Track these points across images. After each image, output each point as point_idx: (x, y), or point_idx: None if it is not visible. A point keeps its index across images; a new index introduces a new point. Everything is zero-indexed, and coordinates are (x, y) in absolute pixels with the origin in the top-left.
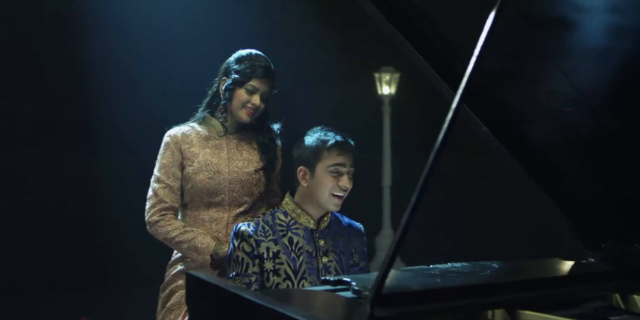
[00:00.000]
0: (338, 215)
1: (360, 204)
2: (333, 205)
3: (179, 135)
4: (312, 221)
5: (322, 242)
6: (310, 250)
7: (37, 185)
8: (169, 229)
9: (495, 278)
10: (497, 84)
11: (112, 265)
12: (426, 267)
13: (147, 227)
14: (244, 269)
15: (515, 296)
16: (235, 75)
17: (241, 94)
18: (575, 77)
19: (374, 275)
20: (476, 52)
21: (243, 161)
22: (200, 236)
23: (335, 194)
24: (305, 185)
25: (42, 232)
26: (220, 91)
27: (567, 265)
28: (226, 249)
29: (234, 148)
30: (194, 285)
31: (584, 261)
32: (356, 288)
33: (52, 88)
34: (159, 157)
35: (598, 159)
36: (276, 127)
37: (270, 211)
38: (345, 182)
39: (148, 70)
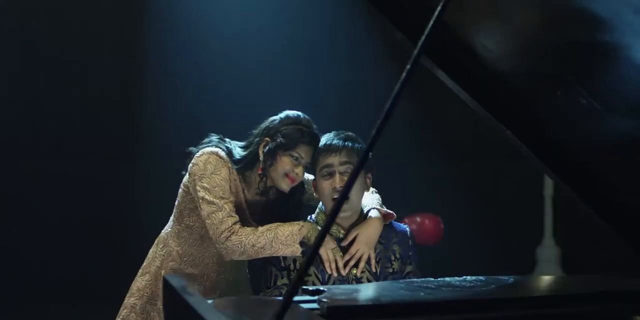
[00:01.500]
0: None
1: (520, 213)
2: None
3: (229, 161)
4: (342, 231)
5: None
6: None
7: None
8: (242, 239)
9: (492, 294)
10: (521, 87)
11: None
12: (431, 279)
13: (218, 245)
14: (272, 281)
15: (503, 314)
16: (281, 139)
17: (286, 161)
18: (604, 81)
19: (358, 286)
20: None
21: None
22: (279, 230)
23: (335, 197)
24: (318, 198)
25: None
26: (260, 152)
27: (598, 282)
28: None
29: (261, 217)
30: (166, 289)
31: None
32: (323, 299)
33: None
34: (207, 173)
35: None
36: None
37: None
38: (337, 182)
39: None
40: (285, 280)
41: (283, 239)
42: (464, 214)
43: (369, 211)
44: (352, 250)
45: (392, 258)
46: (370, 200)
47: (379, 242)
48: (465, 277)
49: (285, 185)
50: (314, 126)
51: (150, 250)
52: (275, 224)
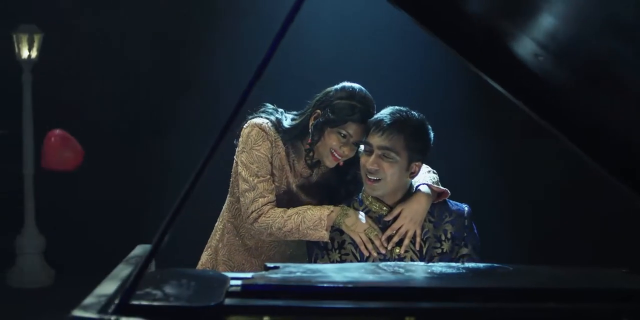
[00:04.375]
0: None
1: None
2: (368, 189)
3: (273, 134)
4: (384, 208)
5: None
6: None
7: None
8: (270, 222)
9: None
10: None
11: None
12: (415, 263)
13: (246, 225)
14: (313, 260)
15: (450, 306)
16: (330, 114)
17: (332, 138)
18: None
19: (318, 266)
20: None
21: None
22: (307, 213)
23: (368, 176)
24: None
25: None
26: (310, 124)
27: (605, 278)
28: (351, 218)
29: (308, 196)
30: None
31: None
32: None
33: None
34: (247, 147)
35: None
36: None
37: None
38: (370, 162)
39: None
40: (325, 260)
41: (310, 224)
42: None
43: (418, 186)
44: (395, 226)
45: (442, 238)
46: (424, 177)
47: (428, 220)
48: (461, 264)
49: (329, 163)
50: (371, 102)
51: (215, 225)
52: (306, 207)
